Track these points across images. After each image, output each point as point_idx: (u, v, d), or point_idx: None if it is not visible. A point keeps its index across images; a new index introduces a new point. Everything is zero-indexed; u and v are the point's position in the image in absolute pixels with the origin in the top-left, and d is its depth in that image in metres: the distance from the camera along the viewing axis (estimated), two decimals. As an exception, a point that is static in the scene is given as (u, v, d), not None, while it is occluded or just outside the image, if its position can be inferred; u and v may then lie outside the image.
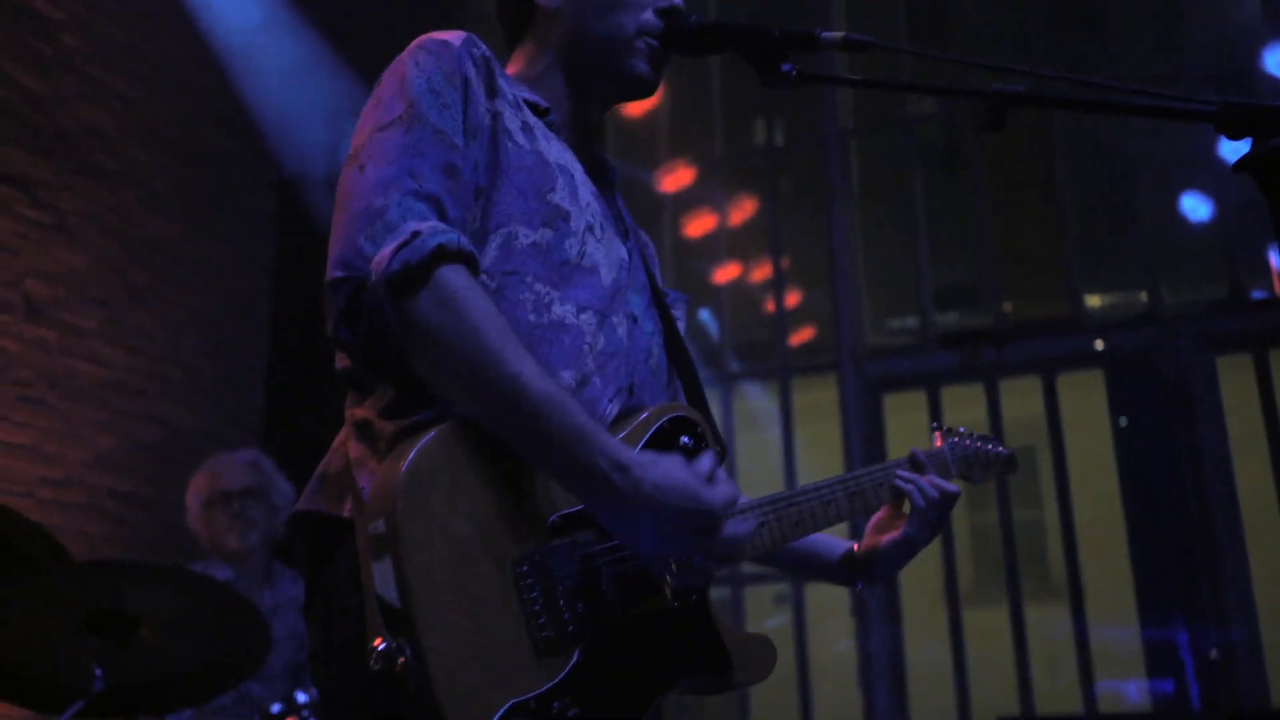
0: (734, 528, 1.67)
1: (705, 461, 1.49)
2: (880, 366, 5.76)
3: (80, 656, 2.95)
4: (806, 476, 6.10)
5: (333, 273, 1.48)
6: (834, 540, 2.05)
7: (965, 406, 5.40)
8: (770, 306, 6.46)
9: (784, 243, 6.47)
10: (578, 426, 1.42)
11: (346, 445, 1.55)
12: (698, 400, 1.79)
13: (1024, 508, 6.93)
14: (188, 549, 4.21)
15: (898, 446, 5.76)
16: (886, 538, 1.97)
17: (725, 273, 8.84)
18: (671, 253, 7.08)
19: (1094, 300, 5.69)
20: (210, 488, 4.29)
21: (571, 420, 1.42)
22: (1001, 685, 5.22)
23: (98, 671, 2.88)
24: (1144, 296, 5.47)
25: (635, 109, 7.74)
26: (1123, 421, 5.02)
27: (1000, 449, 2.24)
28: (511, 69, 1.84)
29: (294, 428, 5.53)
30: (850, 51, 1.73)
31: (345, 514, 1.50)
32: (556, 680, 1.41)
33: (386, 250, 1.43)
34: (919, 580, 5.07)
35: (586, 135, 1.84)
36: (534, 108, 1.73)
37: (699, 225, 7.97)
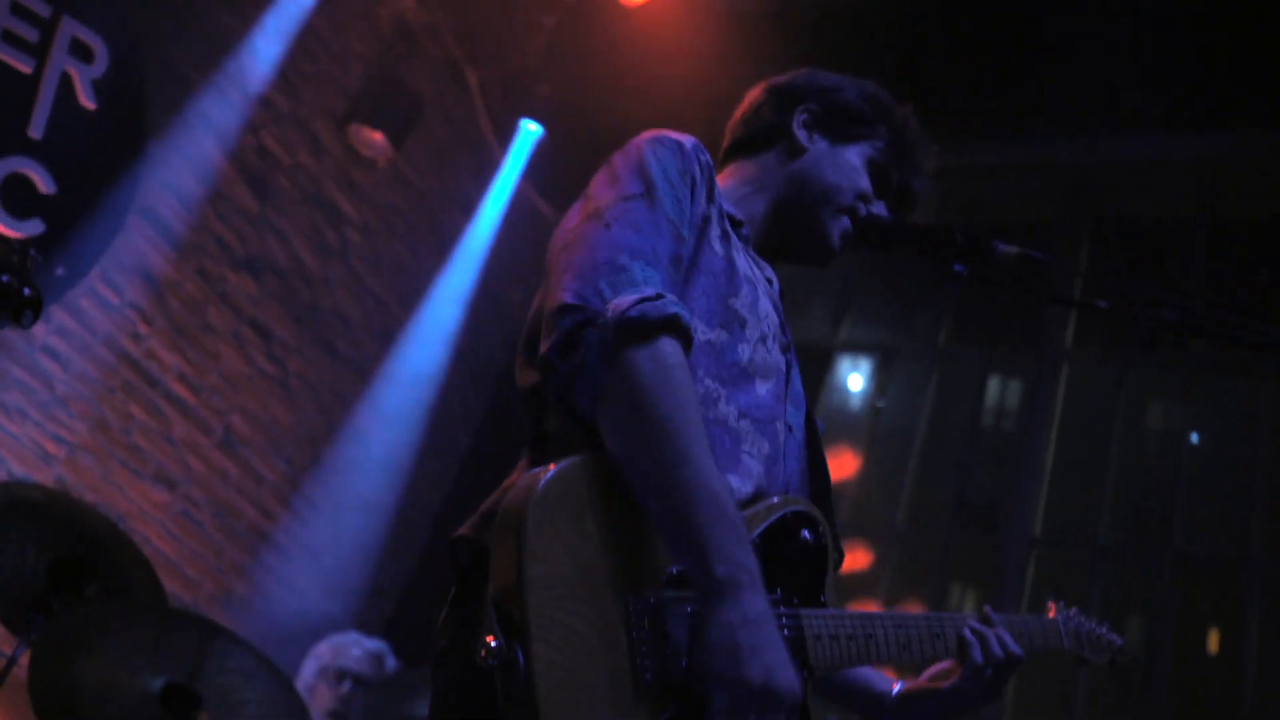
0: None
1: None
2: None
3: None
4: None
5: (565, 298, 1.54)
6: (879, 674, 1.96)
7: None
8: None
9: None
10: (726, 528, 1.46)
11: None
12: (826, 511, 1.79)
13: None
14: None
15: None
16: (941, 684, 1.89)
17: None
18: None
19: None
20: (333, 659, 4.41)
21: (725, 521, 1.46)
22: None
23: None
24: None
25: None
26: None
27: (1114, 636, 2.19)
28: (720, 180, 1.95)
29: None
30: (1024, 266, 1.86)
31: None
32: None
33: (629, 298, 1.52)
34: None
35: (767, 254, 1.97)
36: (731, 219, 1.86)
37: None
